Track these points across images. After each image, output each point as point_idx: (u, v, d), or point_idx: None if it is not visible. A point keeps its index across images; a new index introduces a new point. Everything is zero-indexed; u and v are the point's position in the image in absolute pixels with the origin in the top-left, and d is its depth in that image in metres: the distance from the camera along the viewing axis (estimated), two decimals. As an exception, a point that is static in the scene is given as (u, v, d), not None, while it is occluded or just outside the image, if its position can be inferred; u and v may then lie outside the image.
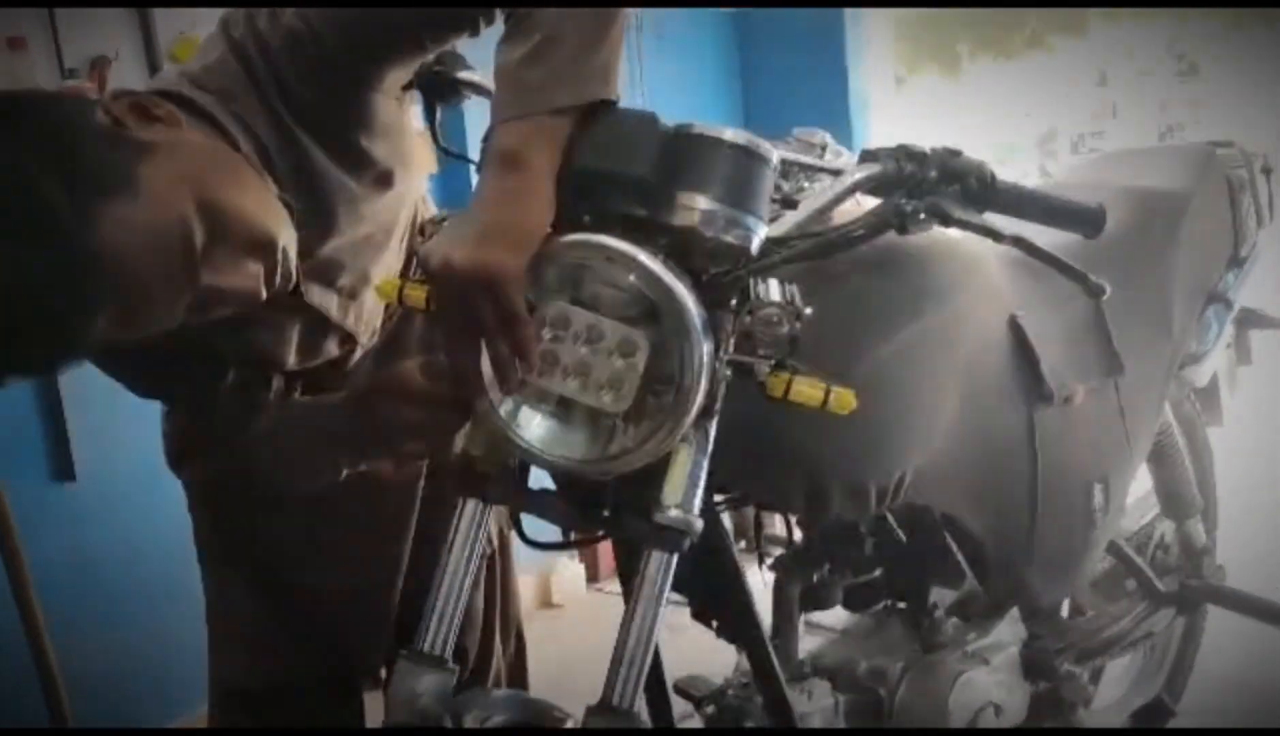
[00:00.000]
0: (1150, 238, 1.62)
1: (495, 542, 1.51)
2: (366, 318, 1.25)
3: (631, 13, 1.00)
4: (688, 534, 0.97)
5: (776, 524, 1.41)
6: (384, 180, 1.14)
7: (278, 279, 1.03)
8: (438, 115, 1.31)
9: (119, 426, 2.16)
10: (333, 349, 1.24)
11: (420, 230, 1.28)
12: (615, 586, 1.01)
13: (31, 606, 1.94)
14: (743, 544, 1.39)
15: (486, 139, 0.96)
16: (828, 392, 0.95)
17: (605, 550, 3.24)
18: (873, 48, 3.91)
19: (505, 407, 0.97)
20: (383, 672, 1.41)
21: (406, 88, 1.16)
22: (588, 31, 0.95)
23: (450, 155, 1.33)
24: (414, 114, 1.93)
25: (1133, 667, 1.96)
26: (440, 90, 1.29)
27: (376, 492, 1.35)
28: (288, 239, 1.04)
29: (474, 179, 0.98)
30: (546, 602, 3.19)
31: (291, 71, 1.03)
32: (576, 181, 0.94)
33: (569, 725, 1.00)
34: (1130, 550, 1.71)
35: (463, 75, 1.29)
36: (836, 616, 1.46)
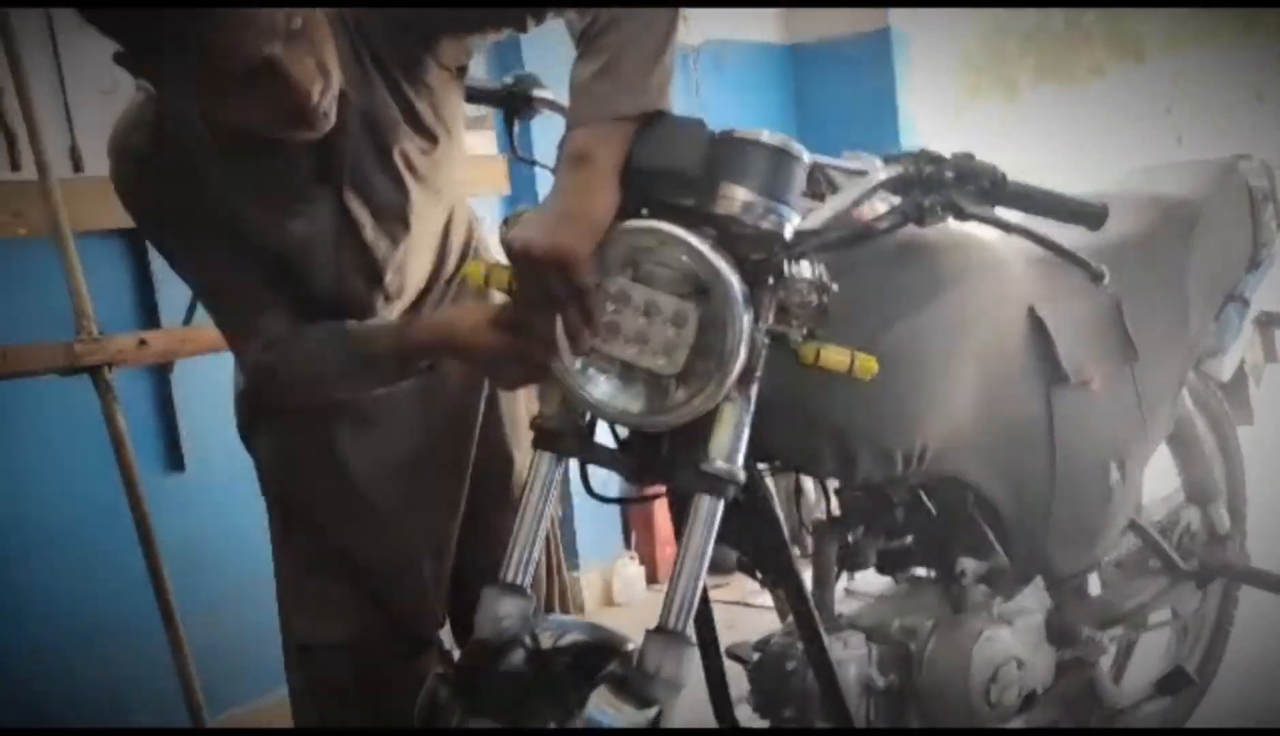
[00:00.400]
0: (1168, 240, 1.75)
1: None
2: (397, 265, 1.40)
3: (681, 25, 1.18)
4: (732, 482, 1.12)
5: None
6: (428, 135, 1.34)
7: (324, 105, 1.19)
8: (515, 128, 1.50)
9: (224, 423, 2.36)
10: (357, 285, 1.38)
11: (504, 222, 1.47)
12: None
13: (165, 587, 2.11)
14: (796, 551, 1.53)
15: (562, 143, 1.14)
16: (853, 359, 1.11)
17: (664, 555, 3.40)
18: (930, 77, 4.07)
19: (575, 369, 1.14)
20: (455, 655, 1.54)
21: (461, 71, 1.35)
22: (647, 53, 1.14)
23: (524, 161, 1.51)
24: (487, 140, 2.12)
25: (1169, 651, 2.06)
26: (517, 106, 1.48)
27: (429, 465, 1.51)
28: (335, 97, 1.21)
29: (540, 193, 1.16)
30: (609, 602, 3.35)
31: (370, 23, 1.27)
32: (636, 177, 1.11)
33: (629, 648, 1.16)
34: (1155, 532, 1.82)
35: (537, 93, 1.48)
36: (873, 585, 1.60)
